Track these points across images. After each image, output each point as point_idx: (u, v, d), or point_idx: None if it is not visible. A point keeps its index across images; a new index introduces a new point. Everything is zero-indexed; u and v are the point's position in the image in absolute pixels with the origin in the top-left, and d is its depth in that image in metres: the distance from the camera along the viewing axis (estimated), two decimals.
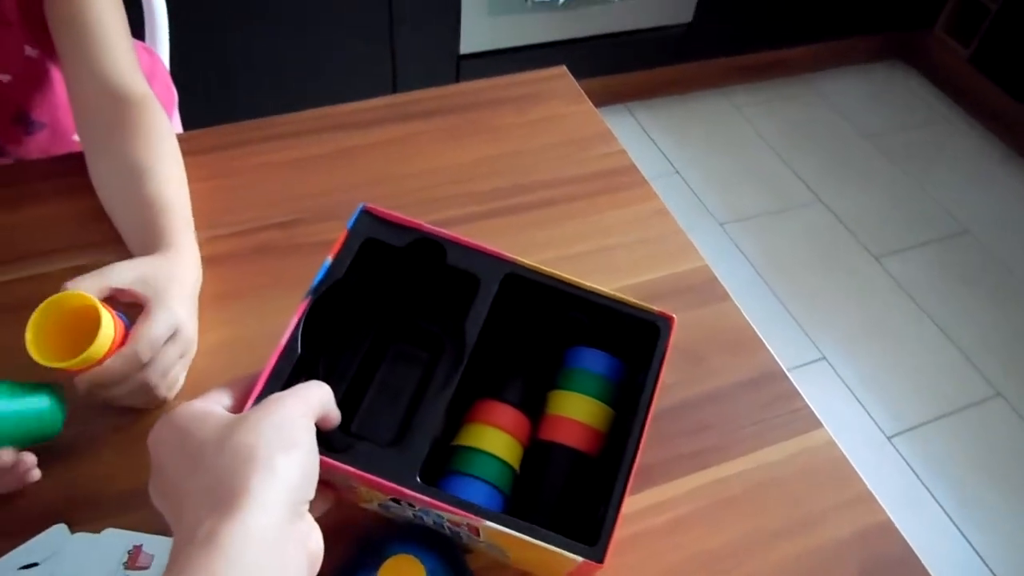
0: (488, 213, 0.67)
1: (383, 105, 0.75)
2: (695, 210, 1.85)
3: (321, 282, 0.45)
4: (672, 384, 0.56)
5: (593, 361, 0.49)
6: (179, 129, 0.96)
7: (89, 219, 0.63)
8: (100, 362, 0.47)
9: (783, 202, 1.88)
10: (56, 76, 0.75)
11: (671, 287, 0.63)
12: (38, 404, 0.46)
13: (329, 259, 0.46)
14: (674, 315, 0.46)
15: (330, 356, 0.47)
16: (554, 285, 0.47)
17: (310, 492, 0.35)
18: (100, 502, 0.48)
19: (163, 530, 0.46)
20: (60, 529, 0.47)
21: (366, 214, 0.48)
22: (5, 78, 0.71)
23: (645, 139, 1.99)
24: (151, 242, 0.56)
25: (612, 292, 0.47)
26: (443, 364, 0.45)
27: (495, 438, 0.46)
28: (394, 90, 1.78)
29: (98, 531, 0.47)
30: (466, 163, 0.71)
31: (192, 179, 0.62)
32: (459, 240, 0.47)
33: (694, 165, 1.94)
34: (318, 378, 0.41)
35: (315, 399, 0.38)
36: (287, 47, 1.63)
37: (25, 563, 0.45)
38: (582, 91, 0.78)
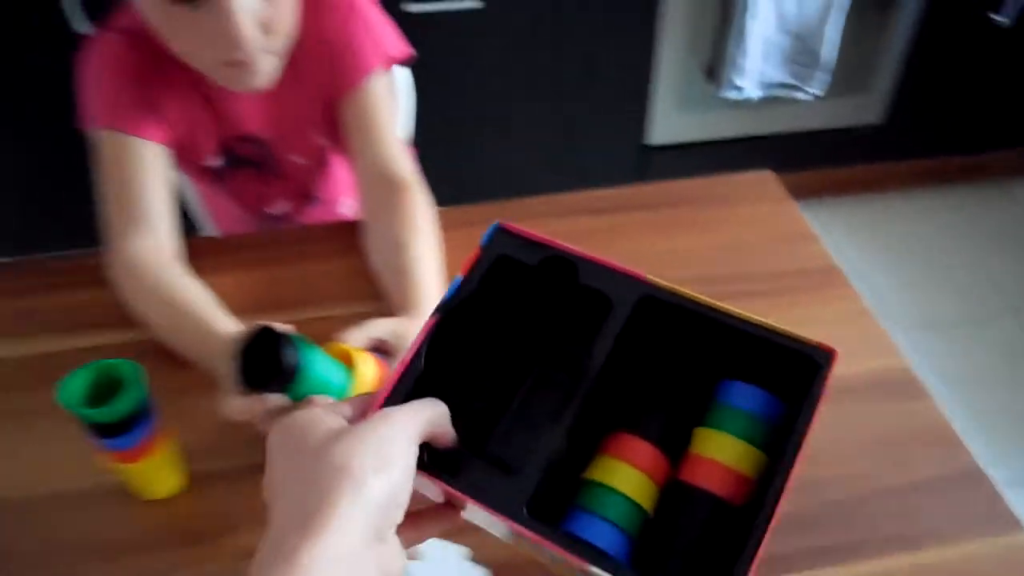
0: (718, 296, 0.74)
1: (597, 197, 0.87)
2: (878, 315, 1.82)
3: (451, 299, 0.44)
4: (868, 474, 0.60)
5: (746, 398, 0.44)
6: None
7: (356, 276, 0.78)
8: None
9: (974, 312, 1.81)
10: (333, 161, 0.92)
11: (869, 381, 0.67)
12: (340, 378, 0.55)
13: (459, 276, 0.45)
14: (836, 350, 0.43)
15: (462, 375, 0.45)
16: (694, 309, 0.44)
17: (398, 516, 0.36)
18: None
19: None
20: None
21: (501, 231, 0.47)
22: (302, 162, 0.89)
23: (828, 238, 2.00)
24: (404, 304, 0.69)
25: (763, 320, 0.43)
26: (568, 389, 0.42)
27: (627, 475, 0.42)
28: (580, 175, 1.92)
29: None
30: (674, 251, 0.80)
31: (452, 248, 0.75)
32: (593, 258, 0.46)
33: (879, 268, 1.92)
34: (445, 397, 0.40)
35: (424, 416, 0.38)
36: (482, 136, 1.82)
37: None
38: (788, 193, 0.86)
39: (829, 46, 1.71)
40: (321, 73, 0.81)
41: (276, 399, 0.54)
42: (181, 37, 0.70)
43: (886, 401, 0.66)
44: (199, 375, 0.66)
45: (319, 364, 0.53)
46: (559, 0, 1.63)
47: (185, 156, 0.83)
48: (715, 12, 1.69)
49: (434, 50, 1.63)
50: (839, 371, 0.68)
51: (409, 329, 0.65)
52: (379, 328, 0.63)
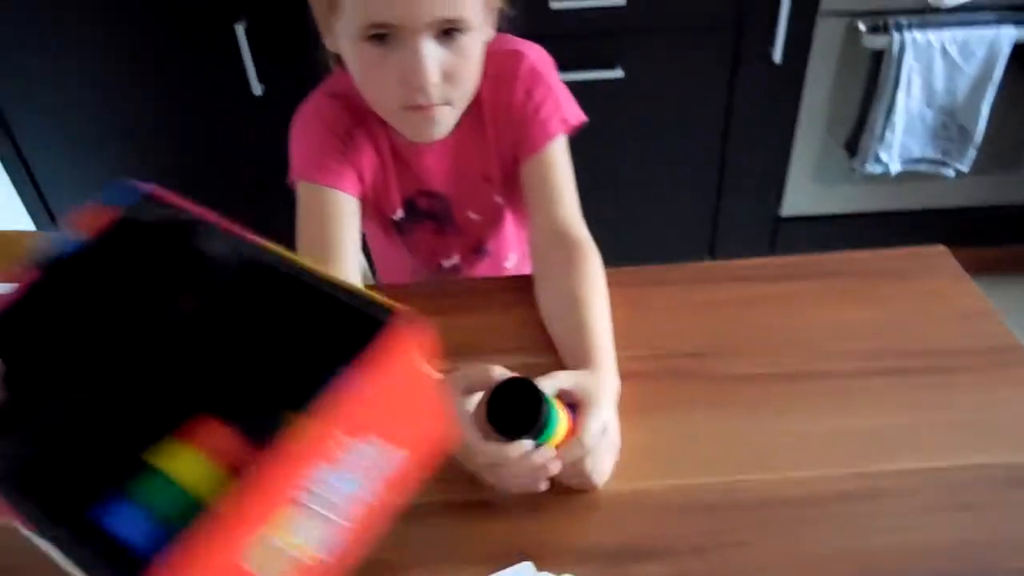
0: (873, 371, 0.73)
1: (770, 264, 0.87)
2: None
3: (56, 258, 0.40)
4: None
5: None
6: None
7: (527, 327, 0.81)
8: (556, 446, 0.61)
9: None
10: (508, 218, 0.97)
11: None
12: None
13: (71, 233, 0.40)
14: (400, 308, 0.38)
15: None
16: (294, 275, 0.40)
17: None
18: (563, 548, 0.61)
19: None
20: (527, 566, 0.60)
21: (147, 199, 0.42)
22: (477, 218, 0.94)
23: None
24: (582, 358, 0.71)
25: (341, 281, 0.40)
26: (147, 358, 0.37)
27: (189, 461, 0.37)
28: (711, 247, 1.91)
29: (559, 574, 0.59)
30: (843, 324, 0.79)
31: (616, 306, 0.77)
32: (222, 224, 0.41)
33: None
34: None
35: None
36: (616, 200, 1.85)
37: None
38: (963, 270, 0.83)
39: (979, 122, 1.66)
40: (504, 135, 0.87)
41: (523, 446, 0.59)
42: (371, 77, 0.77)
43: None
44: None
45: (555, 415, 0.58)
46: (699, 68, 1.67)
47: (372, 209, 0.90)
48: (859, 85, 1.68)
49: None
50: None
51: (592, 380, 0.67)
52: (566, 380, 0.65)
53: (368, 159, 0.86)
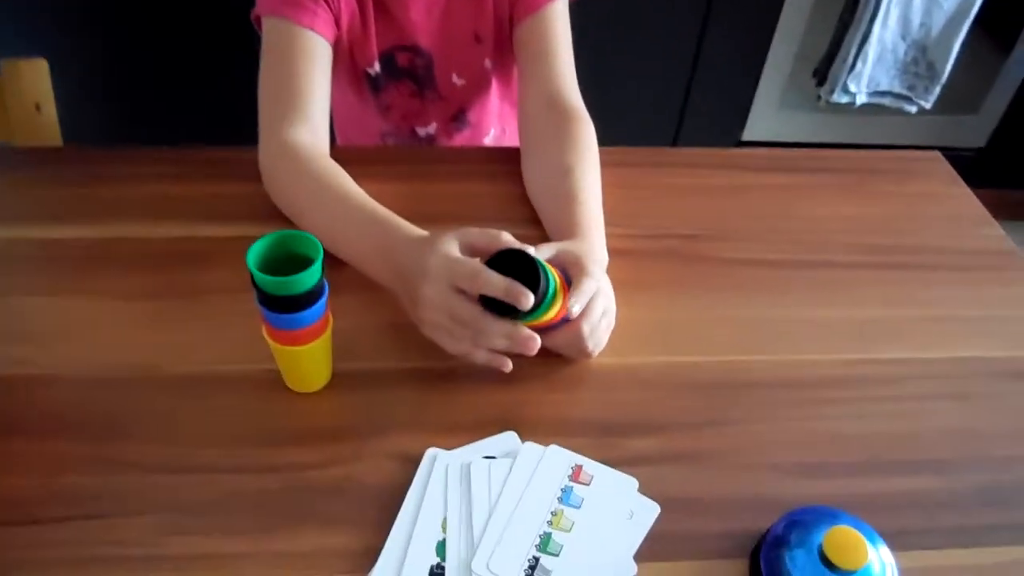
0: (869, 264, 0.71)
1: (768, 155, 0.83)
2: None
3: None
4: None
5: None
6: None
7: (507, 200, 0.75)
8: (553, 318, 0.56)
9: None
10: (493, 86, 0.89)
11: None
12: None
13: None
14: None
15: None
16: None
17: None
18: (545, 422, 0.56)
19: (600, 458, 0.53)
20: (511, 436, 0.55)
21: None
22: (461, 83, 0.86)
23: None
24: (570, 228, 0.65)
25: None
26: None
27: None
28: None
29: (545, 444, 0.54)
30: (842, 217, 0.76)
31: (611, 185, 0.72)
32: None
33: None
34: None
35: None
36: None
37: (486, 455, 0.54)
38: (958, 176, 0.81)
39: (949, 60, 1.66)
40: None
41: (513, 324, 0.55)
42: None
43: None
44: (351, 274, 0.64)
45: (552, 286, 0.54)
46: None
47: (346, 59, 0.80)
48: (835, 13, 1.64)
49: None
50: (1018, 354, 0.64)
51: (581, 249, 0.61)
52: (555, 248, 0.60)
53: (347, 1, 0.76)
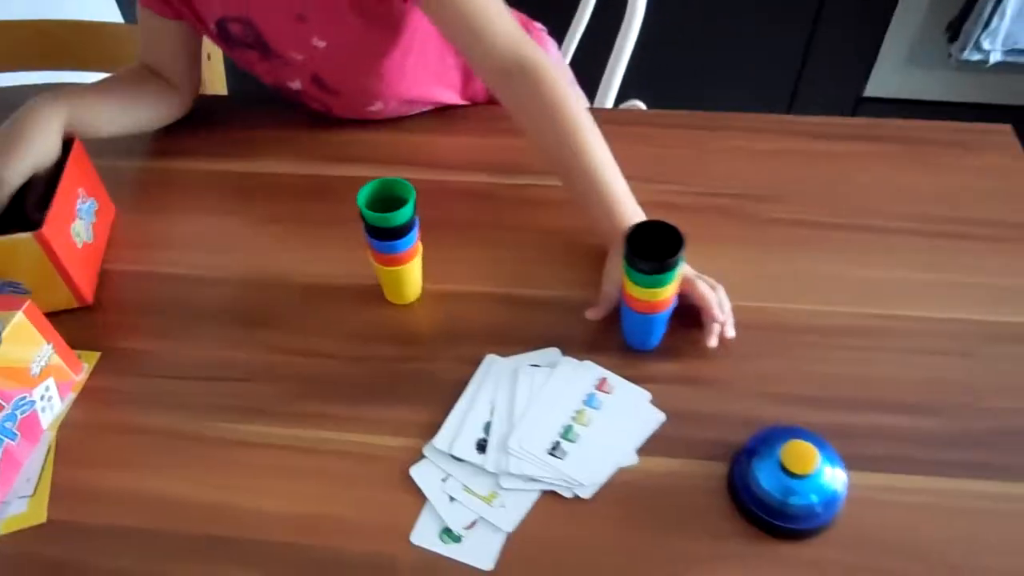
0: (909, 231, 0.77)
1: (826, 122, 0.89)
2: None
3: None
4: None
5: None
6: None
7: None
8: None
9: None
10: (349, 59, 0.84)
11: None
12: None
13: None
14: None
15: None
16: None
17: None
18: (585, 340, 0.69)
19: (625, 373, 0.66)
20: (555, 351, 0.69)
21: None
22: (300, 57, 0.83)
23: None
24: (606, 222, 0.71)
25: None
26: None
27: None
28: (789, 109, 1.89)
29: (580, 359, 0.68)
30: (905, 187, 0.81)
31: (664, 145, 0.81)
32: None
33: None
34: None
35: None
36: (702, 55, 1.81)
37: (532, 363, 0.68)
38: (1023, 150, 0.84)
39: None
40: None
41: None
42: None
43: None
44: (443, 215, 0.78)
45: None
46: None
47: (190, 20, 0.85)
48: None
49: None
50: None
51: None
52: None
53: None
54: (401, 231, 0.67)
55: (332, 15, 0.79)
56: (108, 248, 0.81)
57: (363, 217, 0.66)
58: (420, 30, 0.84)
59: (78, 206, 0.76)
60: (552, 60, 0.77)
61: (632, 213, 0.71)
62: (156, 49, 0.89)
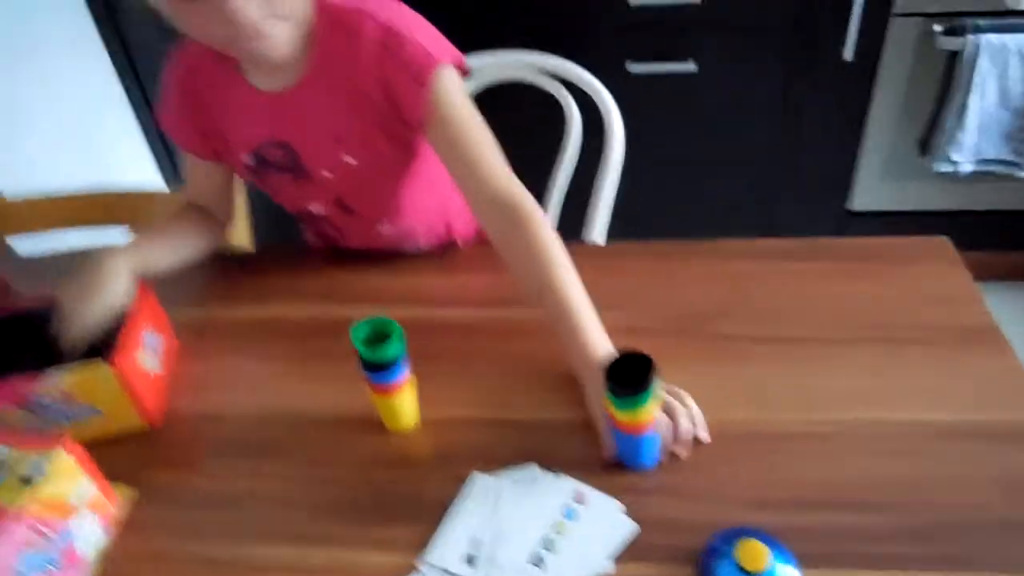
0: (853, 340, 0.85)
1: (783, 244, 0.99)
2: None
3: None
4: (985, 504, 0.67)
5: None
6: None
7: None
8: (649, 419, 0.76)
9: None
10: (370, 180, 0.97)
11: (1013, 431, 0.73)
12: None
13: None
14: None
15: None
16: None
17: None
18: (563, 456, 0.76)
19: (599, 486, 0.73)
20: (534, 467, 0.76)
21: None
22: (330, 176, 0.95)
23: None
24: (576, 352, 0.78)
25: None
26: None
27: None
28: (776, 231, 2.00)
29: (557, 474, 0.74)
30: (841, 297, 0.90)
31: (632, 273, 0.91)
32: None
33: None
34: None
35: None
36: (685, 183, 1.95)
37: (514, 479, 0.75)
38: (961, 260, 0.92)
39: None
40: (362, 98, 0.87)
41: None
42: (192, 26, 0.80)
43: None
44: (438, 346, 0.88)
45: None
46: (770, 64, 1.75)
47: (226, 155, 0.99)
48: (933, 84, 1.71)
49: (653, 106, 1.81)
50: (975, 416, 0.74)
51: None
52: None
53: (206, 111, 0.94)
54: (391, 364, 0.76)
55: (365, 137, 0.91)
56: None
57: (358, 353, 0.76)
58: (432, 160, 0.93)
59: (145, 339, 0.88)
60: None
61: (598, 345, 0.78)
62: (199, 187, 1.04)
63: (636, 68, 1.76)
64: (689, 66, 1.74)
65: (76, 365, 0.80)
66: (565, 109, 1.28)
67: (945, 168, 1.77)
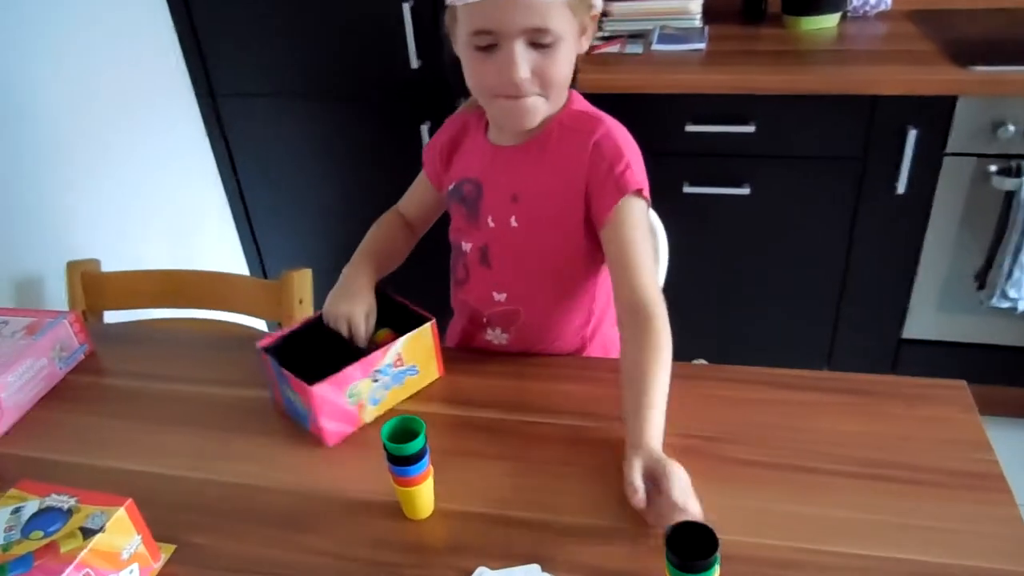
0: (855, 474, 0.87)
1: (797, 375, 1.03)
2: None
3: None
4: None
5: None
6: None
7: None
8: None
9: None
10: (532, 274, 1.10)
11: None
12: None
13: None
14: None
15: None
16: None
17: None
18: (565, 559, 0.81)
19: None
20: (536, 567, 0.81)
21: None
22: (492, 225, 1.09)
23: None
24: (638, 429, 0.87)
25: None
26: None
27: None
28: (829, 358, 2.01)
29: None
30: (850, 433, 0.93)
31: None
32: None
33: None
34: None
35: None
36: (741, 307, 2.00)
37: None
38: (974, 404, 0.94)
39: None
40: (561, 178, 1.02)
41: None
42: (477, 73, 0.98)
43: None
44: (456, 446, 0.95)
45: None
46: (825, 192, 1.81)
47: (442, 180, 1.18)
48: (990, 220, 1.73)
49: (707, 225, 1.89)
50: (967, 561, 0.75)
51: (653, 456, 0.84)
52: (637, 466, 0.84)
53: (453, 150, 1.14)
54: (414, 459, 0.84)
55: (541, 207, 1.06)
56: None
57: (384, 447, 0.84)
58: (575, 280, 1.11)
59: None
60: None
61: (652, 435, 0.87)
62: (416, 200, 1.24)
63: (691, 189, 1.85)
64: (743, 190, 1.82)
65: (409, 334, 1.03)
66: None
67: (1002, 304, 1.77)
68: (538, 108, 0.99)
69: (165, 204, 2.01)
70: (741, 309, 2.01)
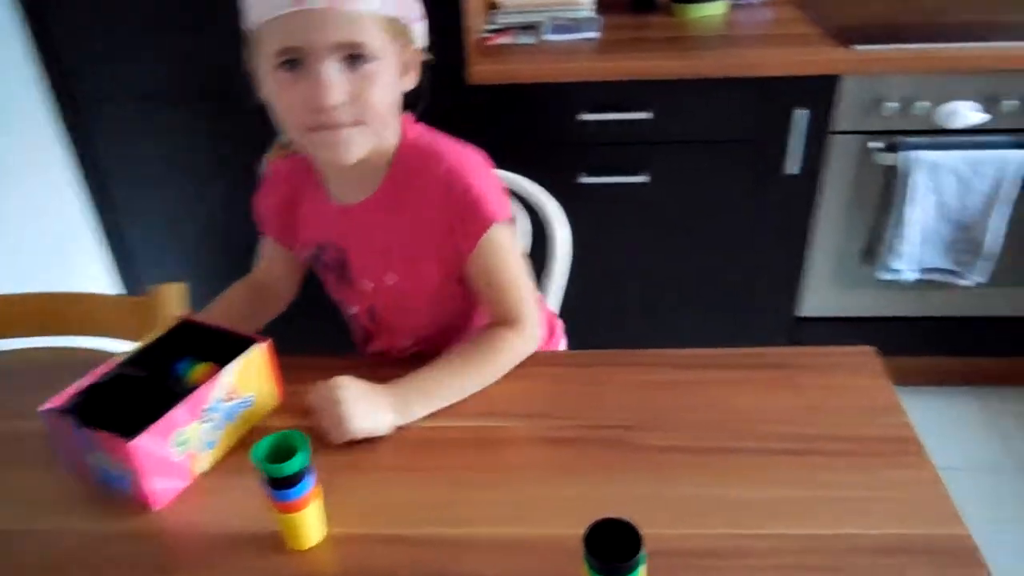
0: (777, 451, 0.83)
1: (710, 354, 0.99)
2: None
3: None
4: None
5: None
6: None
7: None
8: None
9: None
10: (404, 300, 1.04)
11: (925, 546, 0.71)
12: None
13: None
14: None
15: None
16: None
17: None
18: (483, 570, 0.73)
19: None
20: None
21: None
22: (369, 286, 1.03)
23: (995, 426, 1.89)
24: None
25: None
26: None
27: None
28: (732, 341, 2.01)
29: None
30: (763, 408, 0.89)
31: (573, 383, 0.92)
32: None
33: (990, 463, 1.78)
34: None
35: None
36: (640, 292, 1.97)
37: None
38: (884, 369, 0.92)
39: (993, 236, 1.72)
40: (423, 228, 0.96)
41: None
42: (283, 101, 0.85)
43: (944, 567, 0.69)
44: (346, 458, 0.85)
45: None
46: (720, 174, 1.80)
47: (295, 249, 1.10)
48: (875, 196, 1.77)
49: (604, 216, 1.85)
50: (891, 531, 0.72)
51: (378, 391, 0.90)
52: None
53: (289, 207, 1.05)
54: (295, 479, 0.73)
55: (414, 257, 0.99)
56: None
57: (262, 470, 0.73)
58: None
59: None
60: (535, 340, 0.99)
61: (400, 400, 0.90)
62: (269, 266, 1.15)
63: (586, 180, 1.81)
64: (641, 178, 1.80)
65: (239, 359, 0.88)
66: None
67: (887, 276, 1.81)
68: (355, 140, 0.87)
69: (26, 224, 1.81)
70: (645, 298, 1.98)
